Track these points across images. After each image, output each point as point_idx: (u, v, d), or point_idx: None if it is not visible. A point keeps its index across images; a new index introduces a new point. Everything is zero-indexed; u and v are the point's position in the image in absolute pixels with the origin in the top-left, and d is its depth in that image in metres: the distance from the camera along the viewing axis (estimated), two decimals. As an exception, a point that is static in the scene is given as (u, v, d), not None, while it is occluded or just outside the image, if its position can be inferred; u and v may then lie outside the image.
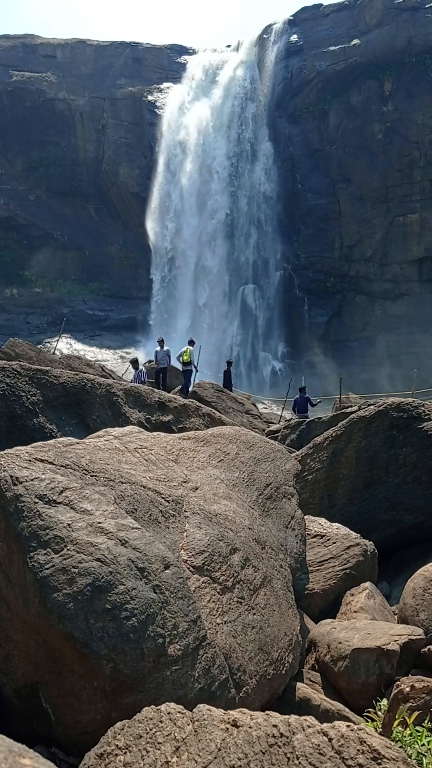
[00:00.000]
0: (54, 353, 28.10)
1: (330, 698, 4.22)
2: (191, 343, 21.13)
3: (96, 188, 52.42)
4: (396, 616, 5.85)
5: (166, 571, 3.34)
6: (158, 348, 21.22)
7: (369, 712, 3.86)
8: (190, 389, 18.62)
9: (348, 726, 2.24)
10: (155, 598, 3.15)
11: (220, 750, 2.23)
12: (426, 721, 3.35)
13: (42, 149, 51.46)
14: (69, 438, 4.29)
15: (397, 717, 3.34)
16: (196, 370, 20.98)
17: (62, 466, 3.71)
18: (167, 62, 52.75)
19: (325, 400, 25.17)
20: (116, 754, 2.35)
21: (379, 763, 2.10)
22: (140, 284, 50.12)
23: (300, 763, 2.14)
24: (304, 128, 46.71)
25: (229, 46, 53.74)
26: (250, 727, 2.30)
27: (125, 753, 2.33)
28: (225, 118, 47.82)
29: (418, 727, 3.23)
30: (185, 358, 20.11)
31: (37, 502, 3.30)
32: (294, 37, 47.34)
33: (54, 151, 51.81)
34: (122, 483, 3.82)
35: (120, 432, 4.82)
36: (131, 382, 16.57)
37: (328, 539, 6.49)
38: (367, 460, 8.66)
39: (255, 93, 48.00)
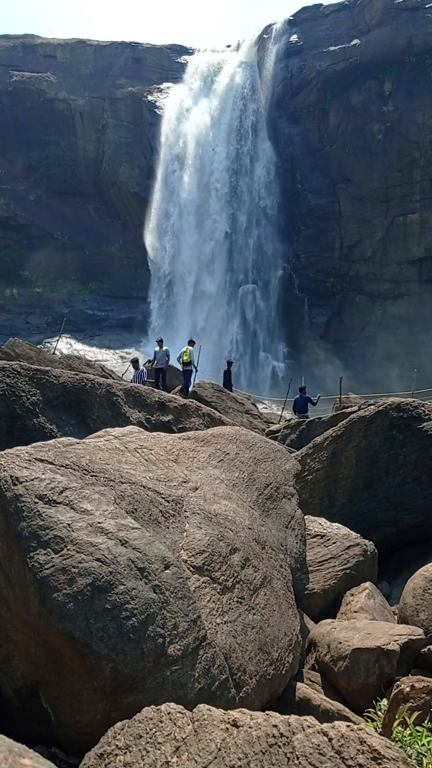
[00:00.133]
0: (54, 353, 28.10)
1: (330, 698, 4.23)
2: (191, 343, 21.13)
3: (96, 188, 52.43)
4: (396, 616, 5.85)
5: (166, 571, 3.34)
6: (157, 348, 21.21)
7: (369, 712, 3.86)
8: (190, 389, 18.62)
9: (348, 726, 2.24)
10: (155, 598, 3.15)
11: (220, 750, 2.23)
12: (426, 721, 3.35)
13: (42, 149, 51.46)
14: (69, 438, 4.29)
15: (397, 717, 3.34)
16: (196, 370, 20.97)
17: (62, 466, 3.71)
18: (167, 62, 52.75)
19: (325, 400, 25.16)
20: (116, 754, 2.35)
21: (379, 763, 2.10)
22: (140, 284, 50.12)
23: (300, 763, 2.14)
24: (304, 128, 46.71)
25: (229, 46, 53.77)
26: (250, 727, 2.30)
27: (125, 753, 2.34)
28: (225, 118, 47.83)
29: (418, 727, 3.23)
30: (185, 358, 20.11)
31: (37, 502, 3.30)
32: (294, 37, 47.34)
33: (54, 151, 51.81)
34: (122, 483, 3.82)
35: (120, 432, 4.82)
36: (131, 382, 16.58)
37: (328, 539, 6.49)
38: (367, 460, 8.66)
39: (255, 93, 48.01)
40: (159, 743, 2.32)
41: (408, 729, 3.22)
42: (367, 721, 3.78)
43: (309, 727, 2.27)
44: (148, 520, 3.69)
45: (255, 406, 20.93)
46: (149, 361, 21.85)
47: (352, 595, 5.88)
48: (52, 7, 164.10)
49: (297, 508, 5.56)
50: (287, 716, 2.35)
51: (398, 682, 3.88)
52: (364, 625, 4.91)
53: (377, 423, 8.79)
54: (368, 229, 44.39)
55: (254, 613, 3.74)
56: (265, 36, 48.92)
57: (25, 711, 3.33)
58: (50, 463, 3.69)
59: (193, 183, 47.55)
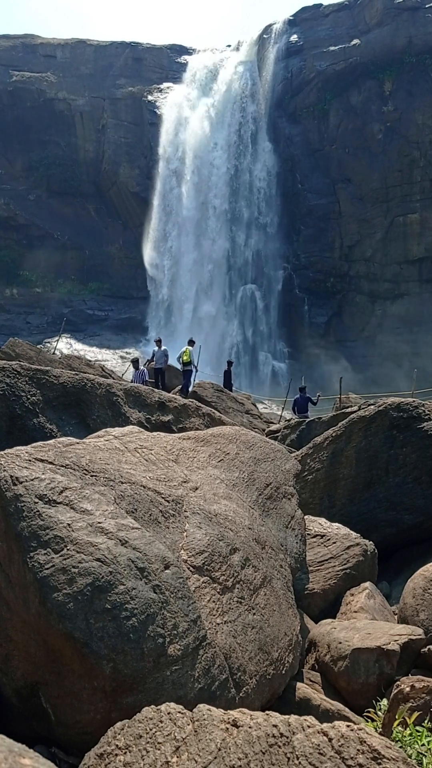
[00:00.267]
0: (54, 353, 28.11)
1: (330, 698, 4.22)
2: (191, 343, 21.11)
3: (96, 188, 52.43)
4: (396, 616, 5.85)
5: (166, 571, 3.34)
6: (156, 348, 21.21)
7: (369, 712, 3.86)
8: (190, 389, 18.62)
9: (348, 726, 2.24)
10: (155, 598, 3.15)
11: (220, 750, 2.23)
12: (426, 721, 3.35)
13: (42, 149, 51.46)
14: (69, 438, 4.29)
15: (397, 717, 3.34)
16: (196, 370, 20.96)
17: (62, 466, 3.71)
18: (167, 62, 52.77)
19: (325, 400, 25.17)
20: (116, 754, 2.35)
21: (379, 763, 2.10)
22: (140, 284, 50.13)
23: (300, 763, 2.14)
24: (304, 128, 46.72)
25: (229, 46, 53.77)
26: (250, 727, 2.30)
27: (125, 753, 2.34)
28: (225, 119, 47.83)
29: (418, 727, 3.23)
30: (185, 358, 20.09)
31: (37, 502, 3.30)
32: (294, 37, 47.35)
33: (54, 151, 51.81)
34: (122, 483, 3.82)
35: (120, 432, 4.82)
36: (131, 382, 16.57)
37: (328, 539, 6.49)
38: (367, 460, 8.66)
39: (255, 93, 48.02)
40: (159, 743, 2.32)
41: (408, 729, 3.22)
42: (367, 721, 3.78)
43: (309, 727, 2.27)
44: (148, 520, 3.68)
45: (255, 406, 20.93)
46: (149, 361, 21.84)
47: (352, 595, 5.88)
48: (52, 7, 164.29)
49: (297, 508, 5.56)
50: (287, 716, 2.35)
51: (398, 682, 3.88)
52: (364, 625, 4.91)
53: (377, 423, 8.79)
54: (368, 229, 44.41)
55: (254, 613, 3.74)
56: (265, 36, 48.94)
57: (25, 711, 3.33)
58: (50, 463, 3.69)
59: (193, 184, 47.55)
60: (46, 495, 3.37)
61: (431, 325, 41.70)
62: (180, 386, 20.06)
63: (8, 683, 3.39)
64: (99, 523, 3.33)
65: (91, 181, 52.36)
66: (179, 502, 4.01)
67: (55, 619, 2.96)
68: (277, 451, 5.94)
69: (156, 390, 10.09)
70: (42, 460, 3.67)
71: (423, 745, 3.10)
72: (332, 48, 45.42)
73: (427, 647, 4.67)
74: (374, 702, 4.07)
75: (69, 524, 3.25)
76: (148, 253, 48.53)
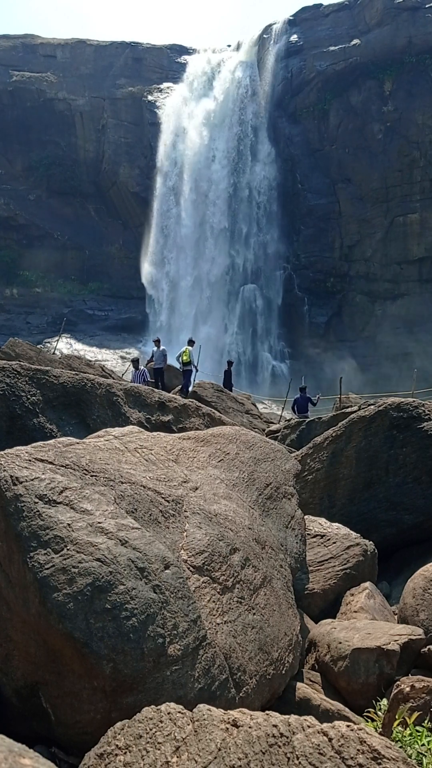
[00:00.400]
0: (54, 353, 28.11)
1: (330, 698, 4.22)
2: (191, 342, 21.10)
3: (96, 188, 52.44)
4: (396, 616, 5.85)
5: (166, 571, 3.34)
6: (155, 348, 21.20)
7: (369, 712, 3.86)
8: (190, 389, 18.62)
9: (348, 726, 2.24)
10: (155, 598, 3.15)
11: (220, 750, 2.23)
12: (426, 721, 3.35)
13: (42, 149, 51.47)
14: (69, 438, 4.29)
15: (397, 717, 3.34)
16: (196, 370, 20.96)
17: (62, 466, 3.71)
18: (167, 62, 52.77)
19: (325, 400, 25.17)
20: (116, 754, 2.35)
21: (379, 763, 2.10)
22: (140, 284, 50.14)
23: (300, 763, 2.14)
24: (304, 128, 46.73)
25: (229, 46, 53.79)
26: (250, 727, 2.30)
27: (125, 753, 2.34)
28: (225, 118, 47.83)
29: (418, 727, 3.23)
30: (184, 358, 20.08)
31: (37, 502, 3.30)
32: (294, 37, 47.36)
33: (54, 151, 51.82)
34: (122, 483, 3.82)
35: (120, 432, 4.82)
36: (131, 382, 16.57)
37: (328, 539, 6.49)
38: (367, 460, 8.66)
39: (255, 93, 48.02)
40: (159, 743, 2.32)
41: (408, 729, 3.22)
42: (367, 721, 3.78)
43: (309, 727, 2.27)
44: (148, 520, 3.68)
45: (255, 406, 20.93)
46: (149, 362, 21.83)
47: (352, 595, 5.88)
48: (52, 7, 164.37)
49: (297, 508, 5.56)
50: (287, 716, 2.35)
51: (398, 682, 3.88)
52: (364, 625, 4.91)
53: (377, 423, 8.78)
54: (368, 229, 44.41)
55: (254, 613, 3.74)
56: (265, 36, 48.94)
57: (25, 711, 3.33)
58: (50, 463, 3.69)
59: (193, 184, 47.55)
60: (46, 495, 3.37)
61: (431, 325, 41.70)
62: (180, 386, 20.06)
63: (8, 683, 3.39)
64: (99, 523, 3.33)
65: (91, 181, 52.37)
66: (179, 502, 4.01)
67: (55, 619, 2.96)
68: (277, 451, 5.94)
69: (156, 390, 10.09)
70: (42, 460, 3.67)
71: (423, 745, 3.10)
72: (332, 48, 45.43)
73: (427, 647, 4.67)
74: (374, 702, 4.07)
75: (69, 524, 3.25)
76: (146, 269, 48.50)
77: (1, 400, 7.57)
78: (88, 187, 52.38)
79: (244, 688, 3.35)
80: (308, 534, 6.35)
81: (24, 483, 3.38)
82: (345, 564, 6.15)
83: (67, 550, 3.13)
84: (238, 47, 51.81)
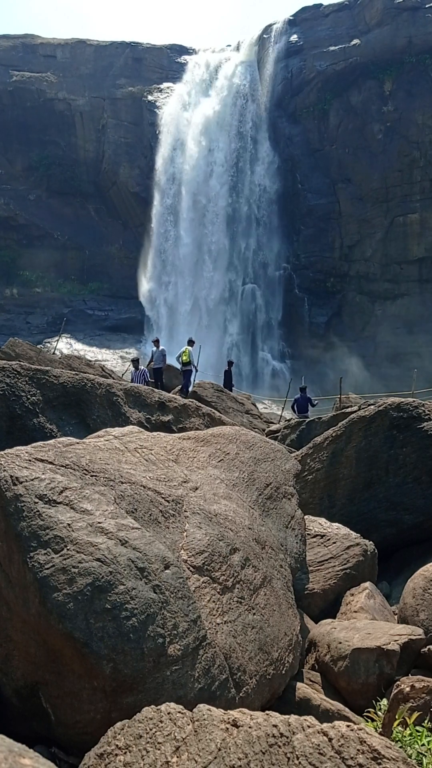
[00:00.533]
0: (54, 353, 28.11)
1: (330, 698, 4.22)
2: (190, 342, 21.11)
3: (96, 188, 52.43)
4: (396, 616, 5.85)
5: (166, 571, 3.34)
6: (154, 348, 21.20)
7: (369, 712, 3.86)
8: (190, 389, 18.62)
9: (348, 726, 2.24)
10: (155, 598, 3.15)
11: (220, 750, 2.23)
12: (426, 721, 3.35)
13: (42, 149, 51.47)
14: (69, 438, 4.29)
15: (397, 717, 3.34)
16: (196, 370, 20.96)
17: (62, 466, 3.71)
18: (167, 62, 52.75)
19: (325, 400, 25.17)
20: (116, 754, 2.35)
21: (379, 763, 2.10)
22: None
23: (300, 763, 2.14)
24: (304, 128, 46.71)
25: (229, 45, 53.78)
26: (250, 727, 2.30)
27: (125, 753, 2.34)
28: (225, 118, 47.82)
29: (418, 727, 3.23)
30: (184, 358, 20.08)
31: (37, 502, 3.30)
32: (294, 37, 47.34)
33: (54, 151, 51.81)
34: (122, 483, 3.82)
35: (120, 432, 4.82)
36: (131, 381, 16.57)
37: (328, 539, 6.49)
38: (367, 460, 8.66)
39: (255, 93, 48.00)
40: (159, 743, 2.32)
41: (408, 729, 3.22)
42: (367, 721, 3.78)
43: (309, 727, 2.27)
44: (148, 520, 3.68)
45: (255, 406, 20.93)
46: (150, 362, 21.84)
47: (352, 595, 5.88)
48: (52, 7, 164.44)
49: (297, 508, 5.56)
50: (287, 716, 2.35)
51: (398, 682, 3.88)
52: (364, 625, 4.91)
53: (377, 423, 8.78)
54: (368, 229, 44.40)
55: (254, 613, 3.74)
56: (265, 36, 48.92)
57: (25, 711, 3.33)
58: (50, 463, 3.69)
59: (193, 184, 47.55)
60: (46, 495, 3.37)
61: (431, 325, 41.70)
62: (180, 386, 20.06)
63: (8, 683, 3.39)
64: (99, 523, 3.33)
65: (91, 181, 52.36)
66: (179, 502, 4.01)
67: (55, 619, 2.96)
68: (277, 451, 5.94)
69: (156, 390, 10.09)
70: (42, 460, 3.67)
71: (423, 745, 3.10)
72: (332, 48, 45.41)
73: (427, 647, 4.67)
74: (374, 702, 4.07)
75: (69, 524, 3.25)
76: (144, 286, 48.45)
77: (1, 400, 7.57)
78: (88, 187, 52.38)
79: (244, 688, 3.35)
80: (308, 534, 6.35)
81: (24, 483, 3.38)
82: (345, 564, 6.15)
83: (67, 550, 3.13)
84: (238, 47, 51.79)
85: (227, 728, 2.32)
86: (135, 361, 20.69)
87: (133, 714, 2.55)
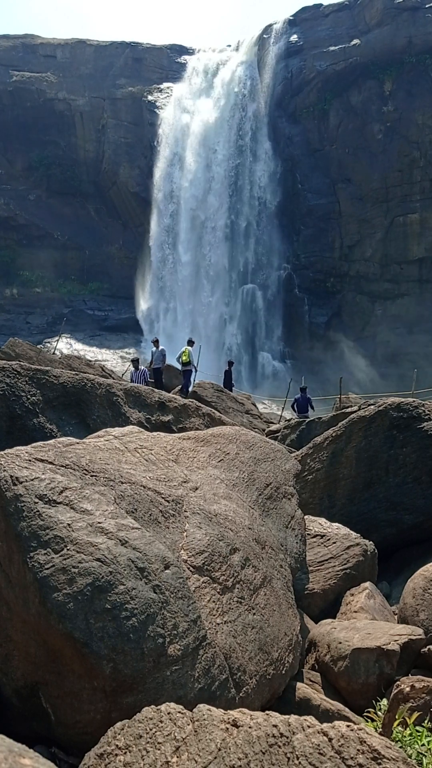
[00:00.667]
0: (54, 353, 28.11)
1: (330, 698, 4.22)
2: (190, 343, 21.11)
3: (96, 188, 52.43)
4: (396, 616, 5.85)
5: (166, 571, 3.34)
6: (153, 348, 21.20)
7: (369, 712, 3.86)
8: (190, 389, 18.61)
9: (348, 726, 2.24)
10: (155, 598, 3.15)
11: (220, 750, 2.23)
12: (426, 721, 3.35)
13: (42, 149, 51.47)
14: (69, 438, 4.29)
15: (397, 717, 3.34)
16: (196, 370, 20.95)
17: (62, 466, 3.71)
18: (167, 62, 52.76)
19: (325, 400, 25.17)
20: (116, 754, 2.35)
21: (379, 763, 2.10)
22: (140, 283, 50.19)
23: (300, 763, 2.14)
24: (304, 128, 46.72)
25: (229, 46, 53.76)
26: (250, 727, 2.30)
27: (125, 753, 2.34)
28: (225, 118, 47.81)
29: (418, 727, 3.23)
30: (184, 358, 20.08)
31: (37, 502, 3.30)
32: (294, 37, 47.34)
33: (54, 151, 51.82)
34: (122, 483, 3.82)
35: (120, 432, 4.82)
36: (130, 381, 16.56)
37: (328, 539, 6.49)
38: (367, 460, 8.66)
39: (255, 93, 47.99)
40: (159, 743, 2.32)
41: (408, 729, 3.22)
42: (367, 721, 3.78)
43: (309, 727, 2.27)
44: (148, 520, 3.68)
45: (255, 406, 20.93)
46: (150, 363, 21.84)
47: (352, 595, 5.88)
48: (52, 7, 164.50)
49: (297, 508, 5.56)
50: (287, 716, 2.35)
51: (398, 682, 3.88)
52: (364, 625, 4.91)
53: (377, 423, 8.78)
54: (368, 229, 44.40)
55: (254, 613, 3.74)
56: (265, 36, 48.92)
57: (25, 711, 3.33)
58: (50, 463, 3.69)
59: (193, 183, 47.54)
60: (46, 495, 3.37)
61: (431, 325, 41.70)
62: (180, 386, 20.06)
63: (8, 683, 3.39)
64: (99, 523, 3.33)
65: (91, 181, 52.36)
66: (179, 502, 4.01)
67: (55, 619, 2.96)
68: (277, 451, 5.94)
69: (156, 390, 10.09)
70: (42, 460, 3.67)
71: (423, 745, 3.10)
72: (332, 48, 45.42)
73: (427, 647, 4.67)
74: (374, 702, 4.07)
75: (69, 524, 3.25)
76: (142, 305, 48.39)
77: (1, 400, 7.57)
78: (88, 187, 52.38)
79: (244, 688, 3.35)
80: (308, 534, 6.35)
81: (24, 483, 3.38)
82: (345, 564, 6.15)
83: (67, 550, 3.13)
84: (238, 47, 51.78)
85: (227, 728, 2.32)
86: (135, 361, 20.69)
87: (133, 714, 2.55)
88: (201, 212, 46.60)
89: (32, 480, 3.42)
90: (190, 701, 2.92)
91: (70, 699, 3.04)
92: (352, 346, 42.92)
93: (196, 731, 2.33)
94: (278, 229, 46.57)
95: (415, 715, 3.33)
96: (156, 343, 21.46)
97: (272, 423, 19.09)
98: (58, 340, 39.05)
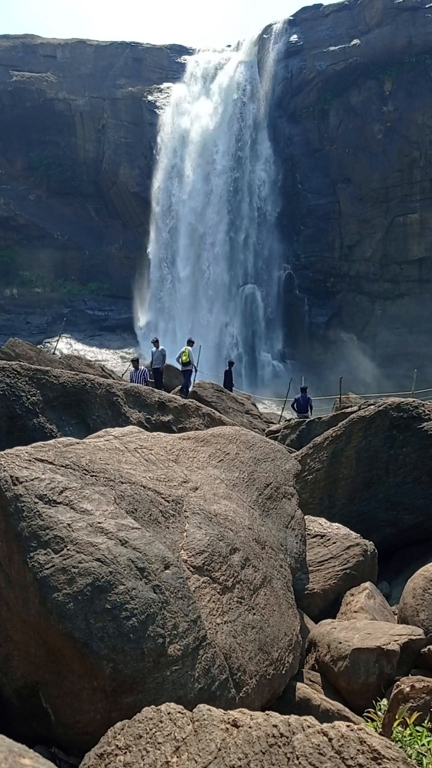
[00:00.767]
0: (54, 353, 28.10)
1: (330, 698, 4.22)
2: (190, 343, 21.10)
3: (96, 188, 52.44)
4: (396, 616, 5.85)
5: (166, 571, 3.33)
6: (153, 348, 21.19)
7: (369, 712, 3.86)
8: (190, 389, 18.61)
9: (348, 726, 2.24)
10: (155, 598, 3.15)
11: (220, 750, 2.23)
12: (426, 721, 3.35)
13: (42, 149, 51.48)
14: (69, 438, 4.29)
15: (397, 717, 3.34)
16: (196, 370, 20.94)
17: (62, 466, 3.71)
18: (167, 62, 52.77)
19: (325, 400, 25.17)
20: (116, 754, 2.35)
21: (379, 763, 2.10)
22: (140, 284, 50.16)
23: (300, 763, 2.14)
24: (304, 128, 46.73)
25: (229, 46, 53.79)
26: (250, 727, 2.30)
27: (125, 753, 2.33)
28: (225, 118, 47.81)
29: (418, 727, 3.23)
30: (184, 358, 20.07)
31: (37, 502, 3.30)
32: (294, 37, 47.36)
33: (54, 151, 51.83)
34: (122, 483, 3.82)
35: (120, 432, 4.82)
36: (130, 381, 16.56)
37: (328, 539, 6.49)
38: (367, 460, 8.65)
39: (255, 93, 48.00)
40: (159, 743, 2.32)
41: (408, 729, 3.22)
42: (367, 721, 3.78)
43: (309, 727, 2.27)
44: (148, 520, 3.68)
45: (255, 406, 20.93)
46: (151, 363, 21.83)
47: (352, 595, 5.88)
48: (52, 7, 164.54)
49: (297, 508, 5.56)
50: (287, 716, 2.35)
51: (398, 682, 3.88)
52: (364, 625, 4.91)
53: (377, 423, 8.78)
54: (368, 229, 44.41)
55: (254, 613, 3.73)
56: (265, 36, 48.93)
57: (25, 711, 3.33)
58: (50, 463, 3.68)
59: (194, 182, 47.53)
60: (46, 495, 3.37)
61: (431, 325, 41.71)
62: (180, 386, 20.06)
63: (8, 683, 3.39)
64: (99, 523, 3.33)
65: (91, 181, 52.37)
66: (179, 502, 4.01)
67: (55, 619, 2.96)
68: (277, 451, 5.94)
69: (156, 390, 10.08)
70: (42, 460, 3.67)
71: (423, 745, 3.10)
72: (332, 48, 45.43)
73: (427, 647, 4.67)
74: (374, 702, 4.07)
75: (69, 524, 3.25)
76: (141, 320, 48.35)
77: (1, 400, 7.57)
78: (88, 187, 52.38)
79: (244, 688, 3.35)
80: (308, 534, 6.35)
81: (24, 483, 3.38)
82: (345, 564, 6.15)
83: (67, 550, 3.13)
84: (238, 47, 51.79)
85: (227, 728, 2.32)
86: (135, 361, 20.69)
87: (133, 714, 2.55)
88: (200, 225, 46.48)
89: (32, 480, 3.42)
90: (190, 701, 2.92)
91: (70, 699, 3.04)
92: (352, 346, 42.92)
93: (196, 731, 2.33)
94: (278, 229, 46.57)
95: (415, 715, 3.33)
96: (156, 343, 21.46)
97: (272, 423, 19.09)
98: (58, 340, 39.06)
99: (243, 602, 3.71)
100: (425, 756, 3.02)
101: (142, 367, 20.13)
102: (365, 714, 3.89)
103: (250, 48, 50.07)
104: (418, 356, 38.30)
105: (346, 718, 3.89)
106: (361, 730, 2.22)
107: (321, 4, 48.48)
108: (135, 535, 3.38)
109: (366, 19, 45.46)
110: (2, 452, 3.65)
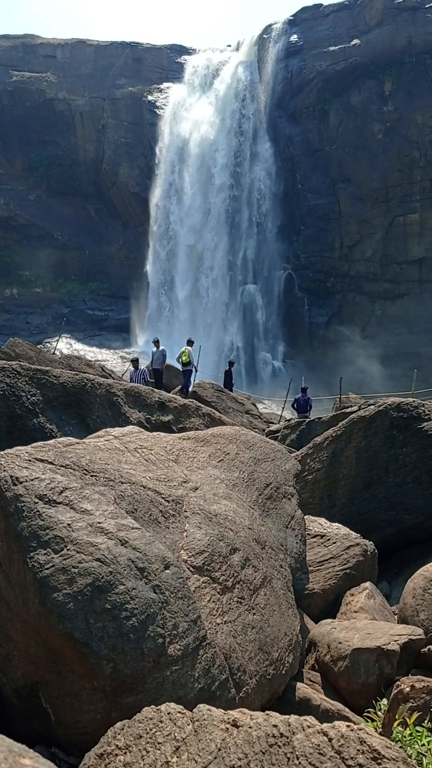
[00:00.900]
0: (54, 353, 28.10)
1: (330, 698, 4.22)
2: (190, 343, 21.08)
3: (96, 188, 52.44)
4: (396, 616, 5.85)
5: (166, 571, 3.33)
6: (154, 348, 21.17)
7: (369, 712, 3.86)
8: (190, 389, 18.61)
9: (348, 726, 2.24)
10: (155, 598, 3.15)
11: (220, 750, 2.23)
12: (426, 721, 3.35)
13: (42, 149, 51.48)
14: (69, 438, 4.29)
15: (397, 717, 3.34)
16: (196, 370, 20.93)
17: (62, 466, 3.71)
18: (167, 62, 52.76)
19: (325, 400, 25.17)
20: (116, 754, 2.35)
21: (379, 763, 2.10)
22: (140, 284, 50.16)
23: (300, 763, 2.14)
24: (304, 128, 46.72)
25: (229, 46, 53.78)
26: (250, 727, 2.30)
27: (125, 753, 2.33)
28: (225, 118, 47.81)
29: (418, 727, 3.23)
30: (184, 358, 20.06)
31: (37, 502, 3.30)
32: (294, 37, 47.35)
33: (54, 151, 51.83)
34: (122, 483, 3.82)
35: (120, 432, 4.82)
36: (130, 381, 16.56)
37: (328, 539, 6.49)
38: (367, 460, 8.65)
39: (255, 93, 47.99)
40: (159, 743, 2.32)
41: (408, 729, 3.22)
42: (367, 721, 3.78)
43: (309, 727, 2.27)
44: (148, 520, 3.68)
45: (255, 406, 20.92)
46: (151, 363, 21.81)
47: (352, 595, 5.88)
48: (52, 7, 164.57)
49: (297, 508, 5.56)
50: (287, 716, 2.35)
51: (398, 682, 3.88)
52: (364, 625, 4.91)
53: (377, 423, 8.78)
54: (368, 229, 44.41)
55: (254, 613, 3.73)
56: (265, 36, 48.92)
57: (25, 711, 3.33)
58: (50, 463, 3.69)
59: (194, 182, 47.53)
60: (46, 495, 3.37)
61: (431, 325, 41.71)
62: (180, 386, 20.05)
63: (8, 683, 3.39)
64: (99, 523, 3.33)
65: (91, 181, 52.37)
66: (179, 502, 4.01)
67: (55, 619, 2.96)
68: (277, 451, 5.94)
69: (156, 390, 10.08)
70: (42, 460, 3.67)
71: (423, 745, 3.10)
72: (332, 48, 45.42)
73: (427, 647, 4.67)
74: (374, 702, 4.07)
75: (69, 524, 3.25)
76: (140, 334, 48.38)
77: (1, 400, 7.57)
78: (88, 187, 52.38)
79: (244, 688, 3.35)
80: (308, 534, 6.35)
81: (24, 483, 3.38)
82: (345, 564, 6.15)
83: (67, 550, 3.13)
84: (238, 47, 51.78)
85: (227, 728, 2.32)
86: (135, 361, 20.68)
87: (133, 714, 2.55)
88: (199, 245, 46.39)
89: (32, 480, 3.42)
90: (190, 701, 2.92)
91: (70, 699, 3.04)
92: (352, 346, 42.91)
93: (196, 731, 2.33)
94: (278, 229, 46.56)
95: (415, 715, 3.33)
96: (156, 343, 21.44)
97: (272, 423, 19.09)
98: (58, 340, 39.05)
99: (243, 602, 3.71)
100: (425, 756, 3.02)
101: (142, 367, 20.13)
102: (365, 714, 3.89)
103: (250, 48, 50.05)
104: (418, 356, 38.30)
105: (346, 718, 3.89)
106: (361, 730, 2.22)
107: (321, 4, 48.48)
108: (135, 535, 3.38)
109: (366, 19, 45.46)
110: (2, 452, 3.66)
